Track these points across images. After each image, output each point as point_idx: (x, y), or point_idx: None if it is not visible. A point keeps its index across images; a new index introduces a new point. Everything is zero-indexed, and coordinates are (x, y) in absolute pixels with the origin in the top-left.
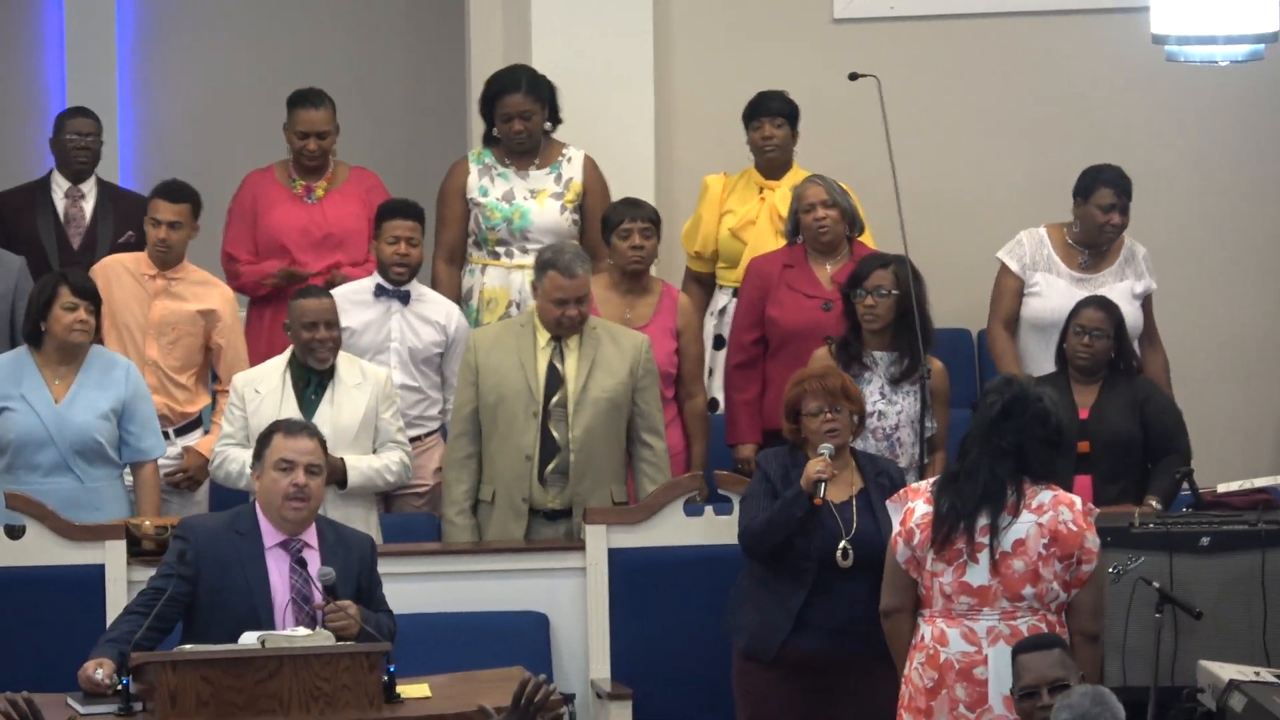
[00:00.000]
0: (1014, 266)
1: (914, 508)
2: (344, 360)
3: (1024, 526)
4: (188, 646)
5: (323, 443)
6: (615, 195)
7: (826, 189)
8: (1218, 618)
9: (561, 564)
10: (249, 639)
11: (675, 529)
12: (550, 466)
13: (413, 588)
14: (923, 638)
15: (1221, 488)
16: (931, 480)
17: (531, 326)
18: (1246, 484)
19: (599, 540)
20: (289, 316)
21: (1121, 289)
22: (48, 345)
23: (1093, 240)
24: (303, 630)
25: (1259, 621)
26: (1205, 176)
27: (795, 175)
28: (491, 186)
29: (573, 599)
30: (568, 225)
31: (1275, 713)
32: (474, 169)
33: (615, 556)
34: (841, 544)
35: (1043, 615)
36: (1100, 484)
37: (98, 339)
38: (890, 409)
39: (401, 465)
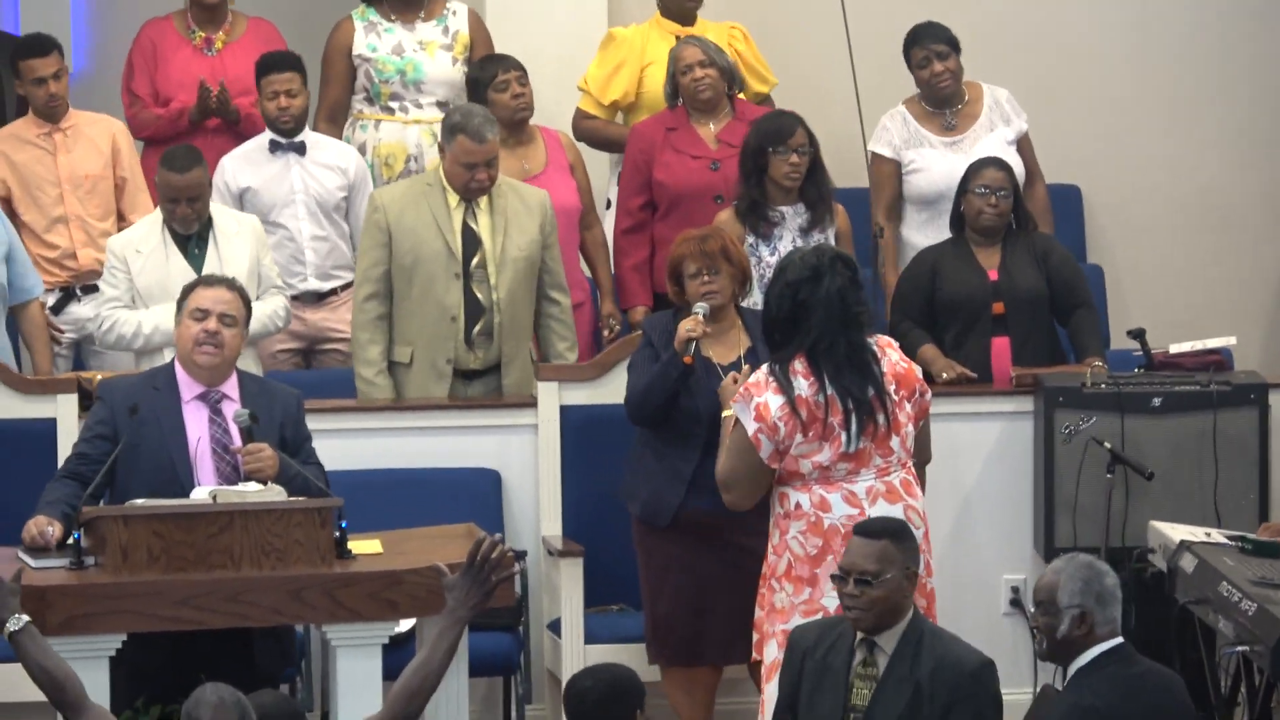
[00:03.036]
0: (887, 153)
1: (766, 401)
2: (217, 210)
3: None
4: (139, 502)
5: (243, 296)
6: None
7: (702, 49)
8: (1169, 479)
9: (514, 421)
10: (200, 494)
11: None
12: (477, 328)
13: (366, 443)
14: (798, 505)
15: (1174, 348)
16: (767, 370)
17: (440, 186)
18: (1198, 345)
19: (551, 397)
20: (158, 178)
21: (994, 140)
22: None
23: (937, 99)
24: (254, 486)
25: (1210, 482)
26: (1172, 34)
27: (703, 24)
28: (379, 42)
29: (525, 456)
30: (459, 77)
31: (1224, 573)
32: (359, 26)
33: (567, 413)
34: None
35: (906, 465)
36: (1017, 346)
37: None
38: None
39: (286, 310)
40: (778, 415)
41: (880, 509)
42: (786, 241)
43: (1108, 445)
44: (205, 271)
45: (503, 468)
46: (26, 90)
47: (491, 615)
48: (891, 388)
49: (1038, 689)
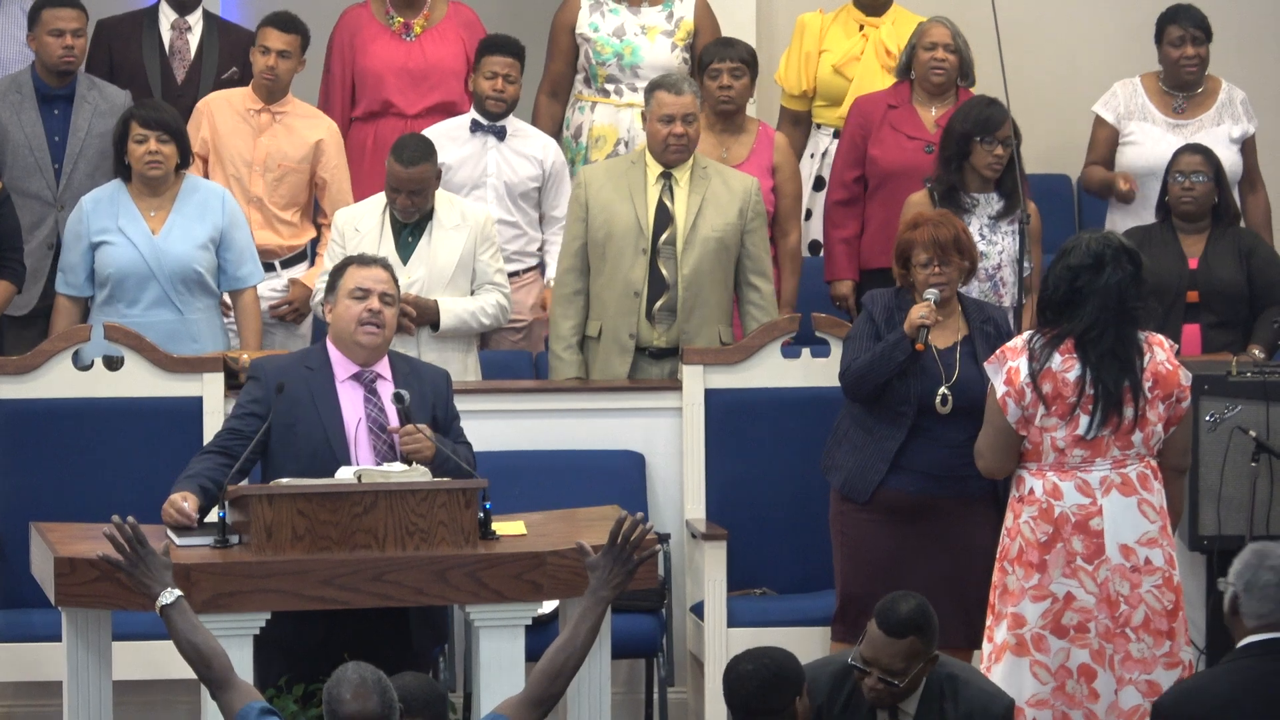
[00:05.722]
0: (1109, 118)
1: (1018, 366)
2: (444, 201)
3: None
4: (284, 481)
5: (394, 278)
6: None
7: (952, 32)
8: None
9: (659, 404)
10: (345, 474)
11: (772, 370)
12: (659, 304)
13: (511, 425)
14: (1032, 491)
15: None
16: (1026, 338)
17: (642, 164)
18: None
19: (696, 381)
20: (387, 162)
21: (1219, 134)
22: (135, 179)
23: (1177, 81)
24: (399, 466)
25: None
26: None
27: (896, 12)
28: (602, 22)
29: (669, 439)
30: (678, 64)
31: None
32: (585, 4)
33: (712, 397)
34: (941, 390)
35: (1146, 460)
36: (1207, 333)
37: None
38: (991, 249)
39: (498, 307)
40: (1025, 382)
41: (1113, 500)
42: (975, 228)
43: (1253, 434)
44: (412, 261)
45: (647, 451)
46: (253, 55)
47: (634, 597)
48: (1148, 385)
49: None
